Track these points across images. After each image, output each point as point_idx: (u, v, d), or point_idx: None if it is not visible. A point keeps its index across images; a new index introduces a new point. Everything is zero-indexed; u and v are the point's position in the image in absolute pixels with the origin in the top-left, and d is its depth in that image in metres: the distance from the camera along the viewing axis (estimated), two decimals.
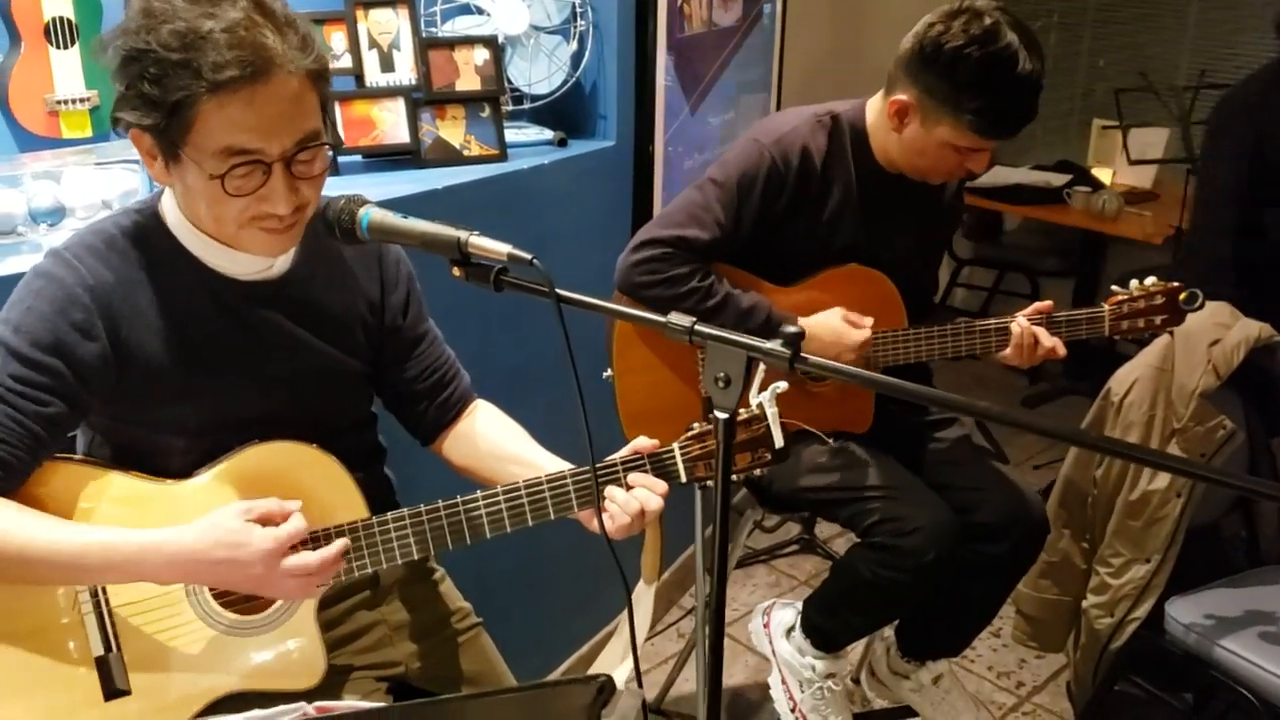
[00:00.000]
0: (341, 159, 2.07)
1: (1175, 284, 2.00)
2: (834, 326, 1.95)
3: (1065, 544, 2.33)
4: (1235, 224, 2.76)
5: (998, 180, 4.22)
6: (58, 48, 1.78)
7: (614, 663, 1.47)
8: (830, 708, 2.10)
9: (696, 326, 1.08)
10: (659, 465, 1.39)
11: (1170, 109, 3.51)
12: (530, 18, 2.29)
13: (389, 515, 1.35)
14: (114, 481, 1.32)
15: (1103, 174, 4.18)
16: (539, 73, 2.33)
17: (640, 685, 1.18)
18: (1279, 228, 3.42)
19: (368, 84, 2.14)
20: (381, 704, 1.39)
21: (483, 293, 1.21)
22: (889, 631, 2.27)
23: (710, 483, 1.41)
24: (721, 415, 1.08)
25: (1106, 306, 2.00)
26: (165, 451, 1.35)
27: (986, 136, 1.82)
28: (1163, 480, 2.16)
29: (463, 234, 1.18)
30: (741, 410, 1.38)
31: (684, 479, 1.39)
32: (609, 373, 2.07)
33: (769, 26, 3.02)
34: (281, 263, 1.38)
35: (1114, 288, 2.02)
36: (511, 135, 2.27)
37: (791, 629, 2.16)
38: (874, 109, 1.96)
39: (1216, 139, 2.88)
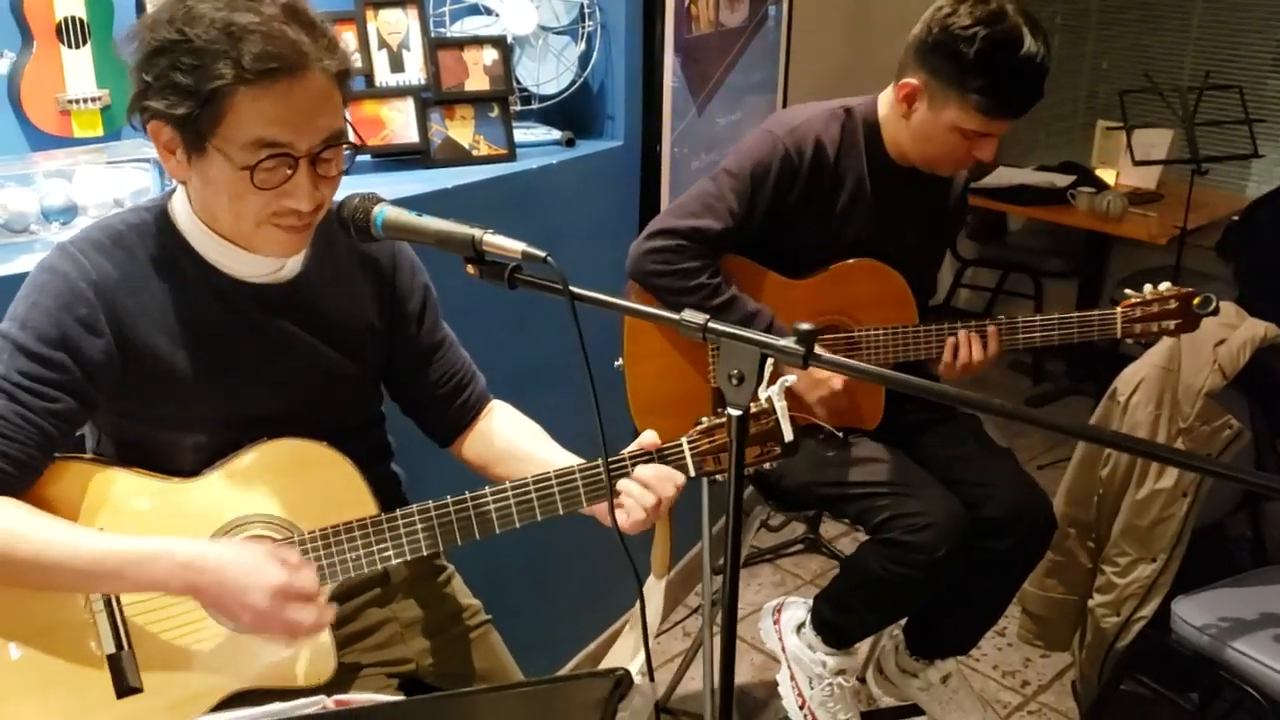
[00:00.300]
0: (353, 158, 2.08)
1: (1189, 289, 2.00)
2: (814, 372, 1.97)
3: (1071, 543, 2.34)
4: None
5: (1002, 181, 4.23)
6: (69, 47, 1.79)
7: (624, 658, 1.47)
8: (839, 704, 2.11)
9: (710, 324, 1.09)
10: (666, 460, 1.39)
11: (1174, 110, 3.52)
12: (539, 18, 2.30)
13: (399, 511, 1.36)
14: (122, 479, 1.33)
15: (1107, 175, 4.18)
16: (547, 73, 2.34)
17: (652, 680, 1.19)
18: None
19: (377, 84, 2.15)
20: (399, 698, 1.39)
21: (490, 292, 1.21)
22: (897, 630, 2.27)
23: (719, 477, 1.41)
24: (735, 412, 1.09)
25: (1119, 309, 2.00)
26: (172, 449, 1.36)
27: (992, 117, 1.83)
28: (1170, 479, 2.16)
29: (477, 232, 1.18)
30: (750, 405, 1.38)
31: (692, 473, 1.40)
32: (620, 362, 2.07)
33: (775, 27, 3.02)
34: (291, 266, 1.38)
35: (1127, 290, 2.03)
36: (520, 135, 2.28)
37: (802, 625, 2.16)
38: (885, 101, 1.98)
39: None
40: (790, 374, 1.37)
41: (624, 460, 1.38)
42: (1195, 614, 2.07)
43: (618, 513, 1.35)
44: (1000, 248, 4.65)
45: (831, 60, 3.76)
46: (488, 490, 1.37)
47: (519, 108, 2.35)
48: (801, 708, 2.13)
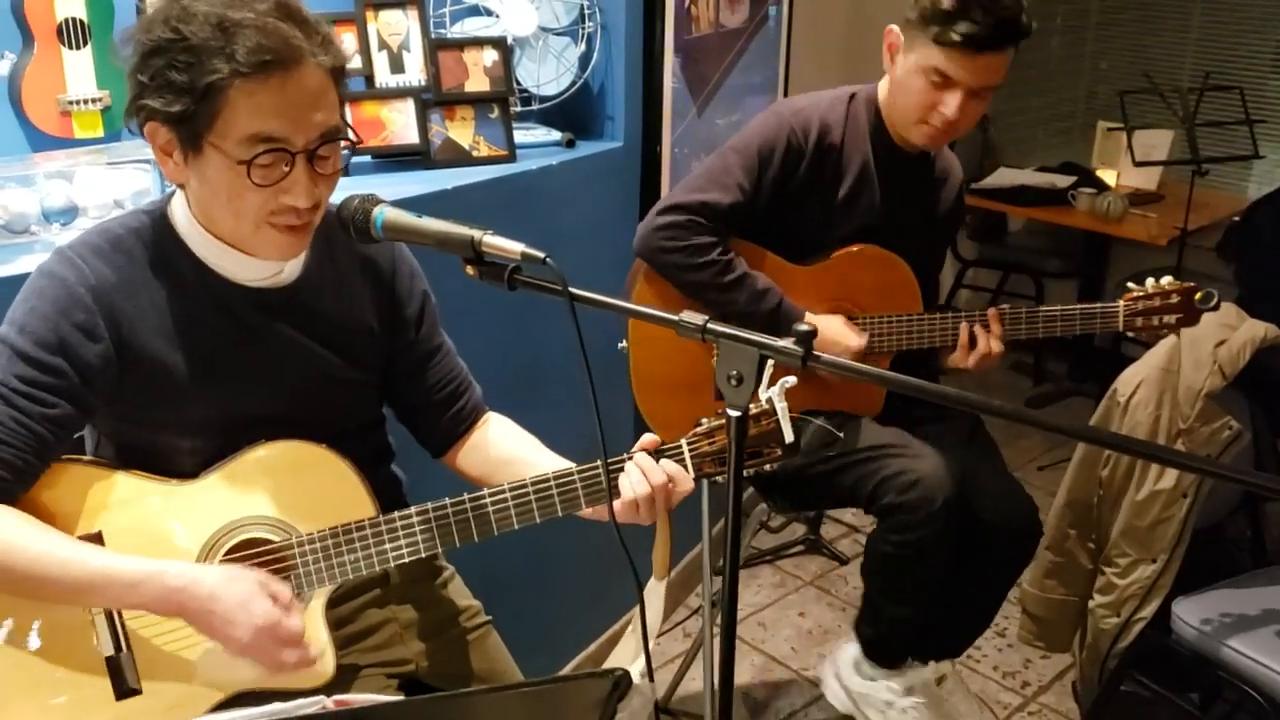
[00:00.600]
0: (351, 160, 2.08)
1: (1191, 284, 2.00)
2: (834, 329, 1.99)
3: (1071, 544, 2.34)
4: None
5: (1003, 182, 4.23)
6: (70, 48, 1.79)
7: (625, 660, 1.48)
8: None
9: (709, 325, 1.09)
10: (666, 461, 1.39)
11: (1174, 111, 3.52)
12: (539, 19, 2.31)
13: (397, 514, 1.36)
14: (121, 481, 1.33)
15: (1107, 175, 4.18)
16: (547, 74, 2.34)
17: (652, 680, 1.19)
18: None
19: (377, 85, 2.15)
20: (399, 698, 1.39)
21: (490, 293, 1.21)
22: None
23: (718, 479, 1.41)
24: (734, 413, 1.09)
25: (1122, 303, 2.01)
26: (171, 452, 1.36)
27: (949, 48, 1.83)
28: (1170, 480, 2.16)
29: (477, 233, 1.18)
30: (751, 405, 1.38)
31: (691, 474, 1.40)
32: (624, 344, 2.08)
33: (775, 28, 3.03)
34: (290, 270, 1.38)
35: (1130, 284, 2.03)
36: (520, 136, 2.28)
37: (857, 660, 2.18)
38: (884, 84, 2.01)
39: None
40: (790, 375, 1.37)
41: (623, 462, 1.38)
42: (1195, 615, 2.07)
43: (615, 504, 1.35)
44: (1001, 248, 4.66)
45: (831, 61, 3.76)
46: (486, 492, 1.37)
47: (519, 109, 2.35)
48: None
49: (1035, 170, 4.37)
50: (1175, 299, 2.00)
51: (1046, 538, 2.36)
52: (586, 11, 2.35)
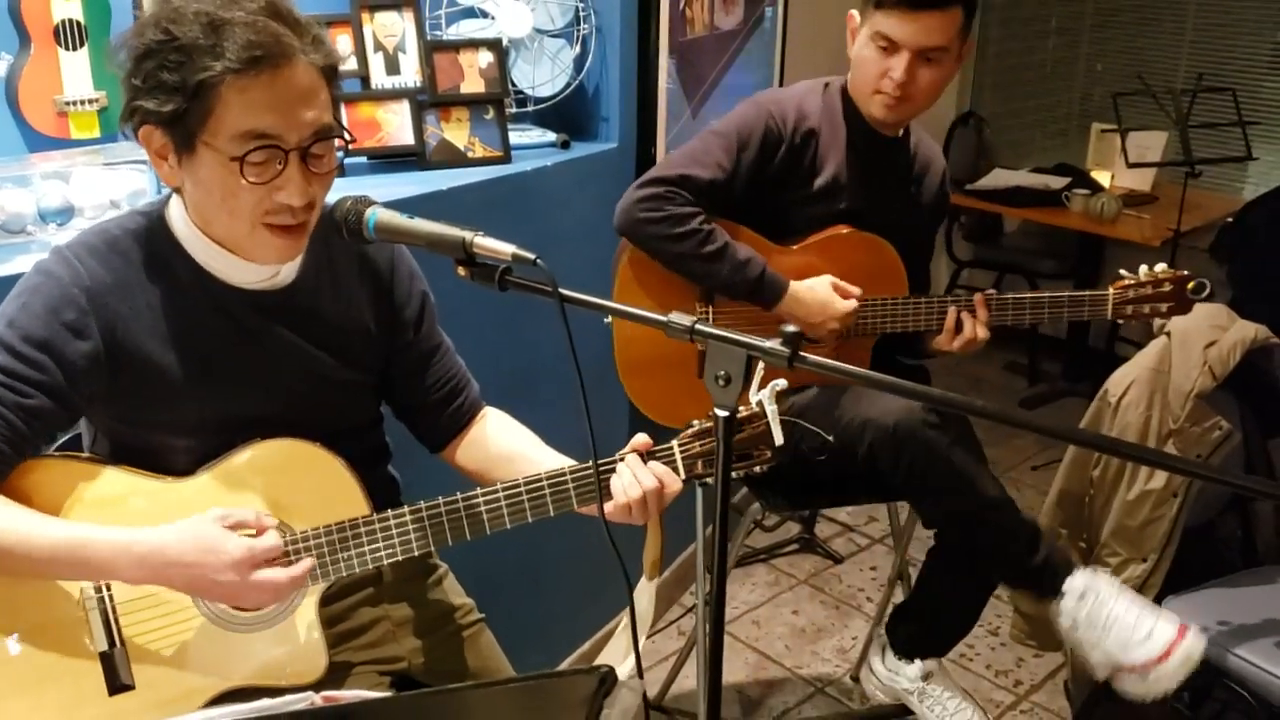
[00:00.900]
0: (347, 161, 2.09)
1: (1184, 272, 2.00)
2: (821, 294, 2.00)
3: (1063, 543, 2.35)
4: None
5: (997, 183, 4.25)
6: (67, 49, 1.80)
7: (616, 660, 1.49)
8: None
9: (697, 326, 1.10)
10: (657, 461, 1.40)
11: (1168, 112, 3.53)
12: (534, 21, 2.31)
13: (390, 512, 1.37)
14: (115, 478, 1.34)
15: (1101, 177, 4.20)
16: (542, 75, 2.35)
17: (642, 678, 1.20)
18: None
19: (373, 86, 2.16)
20: (386, 694, 1.40)
21: (482, 294, 1.22)
22: (884, 631, 2.29)
23: (708, 480, 1.43)
24: (722, 413, 1.10)
25: (1111, 290, 2.01)
26: (166, 450, 1.37)
27: (888, 11, 1.88)
28: (1160, 480, 2.17)
29: (468, 234, 1.19)
30: (741, 408, 1.39)
31: (683, 475, 1.41)
32: (609, 319, 2.09)
33: (770, 30, 3.04)
34: (287, 272, 1.39)
35: (1121, 271, 2.04)
36: (515, 137, 2.29)
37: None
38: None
39: None
40: (781, 378, 1.39)
41: (615, 463, 1.40)
42: (1186, 614, 2.08)
43: (606, 504, 1.36)
44: (995, 249, 4.67)
45: (826, 63, 3.76)
46: (479, 491, 1.38)
47: (514, 110, 2.36)
48: None
49: (1030, 171, 4.38)
50: (1168, 287, 2.00)
51: None
52: (581, 13, 2.36)
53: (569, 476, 1.38)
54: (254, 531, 1.30)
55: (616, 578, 1.26)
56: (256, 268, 1.35)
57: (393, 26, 2.18)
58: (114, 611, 1.31)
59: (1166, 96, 3.54)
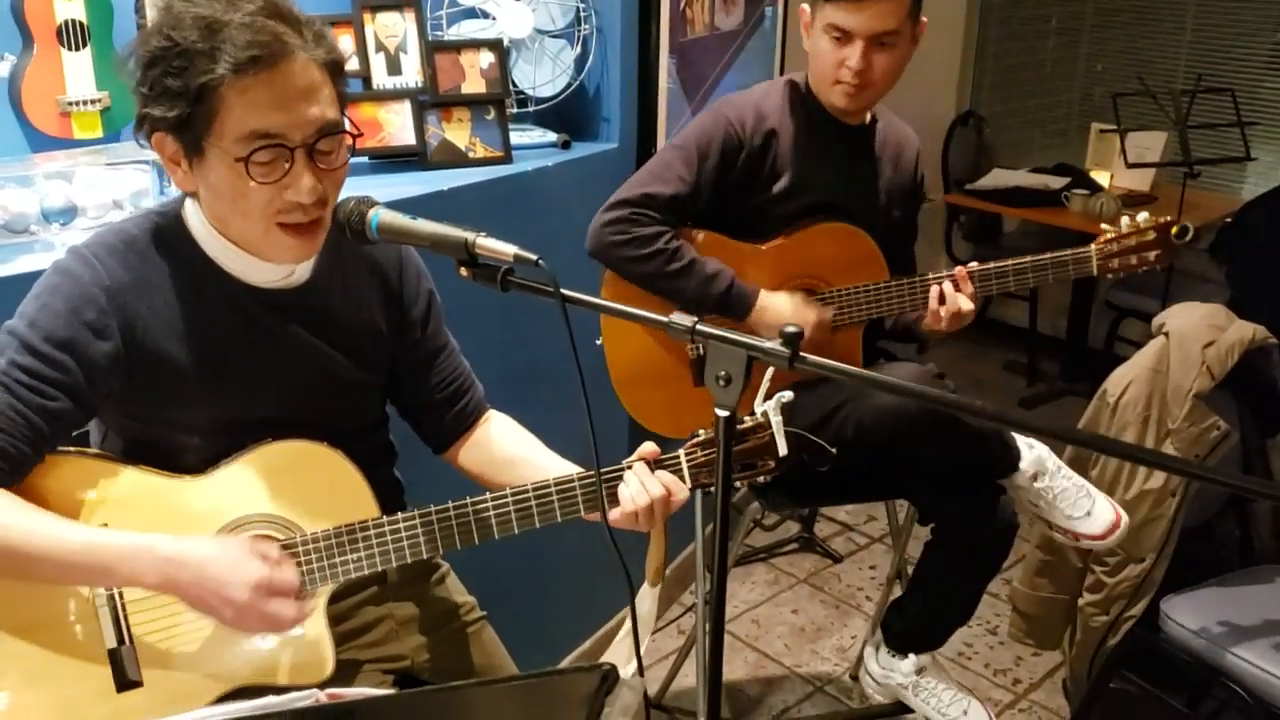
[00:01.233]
0: (349, 160, 2.09)
1: (1166, 218, 1.99)
2: (789, 307, 2.02)
3: (1061, 543, 2.36)
4: None
5: (997, 183, 4.25)
6: (70, 50, 1.81)
7: (617, 661, 1.49)
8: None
9: (698, 327, 1.11)
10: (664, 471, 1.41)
11: (1167, 113, 3.54)
12: (535, 21, 2.32)
13: (400, 515, 1.37)
14: (127, 476, 1.35)
15: (1101, 177, 4.21)
16: (543, 76, 2.36)
17: (642, 677, 1.21)
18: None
19: (375, 86, 2.17)
20: (390, 691, 1.41)
21: (484, 294, 1.23)
22: (877, 629, 2.30)
23: (713, 490, 1.43)
24: (722, 413, 1.11)
25: (1094, 247, 1.99)
26: (178, 449, 1.37)
27: (837, 1, 1.91)
28: (1158, 480, 2.18)
29: (470, 235, 1.20)
30: (746, 419, 1.40)
31: (689, 484, 1.42)
32: (600, 340, 2.10)
33: (771, 30, 3.04)
34: (301, 272, 1.40)
35: (1104, 225, 2.02)
36: (516, 138, 2.30)
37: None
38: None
39: None
40: (787, 390, 1.39)
41: (621, 470, 1.40)
42: (1184, 613, 2.09)
43: (611, 511, 1.37)
44: (995, 249, 4.67)
45: None
46: (488, 496, 1.39)
47: (515, 110, 2.36)
48: None
49: (1029, 171, 4.39)
50: (1151, 235, 1.97)
51: (1037, 536, 2.39)
52: (582, 14, 2.37)
53: (577, 484, 1.39)
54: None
55: (618, 579, 1.26)
56: (273, 267, 1.36)
57: (394, 27, 2.19)
58: (123, 609, 1.32)
59: (1166, 97, 3.55)
